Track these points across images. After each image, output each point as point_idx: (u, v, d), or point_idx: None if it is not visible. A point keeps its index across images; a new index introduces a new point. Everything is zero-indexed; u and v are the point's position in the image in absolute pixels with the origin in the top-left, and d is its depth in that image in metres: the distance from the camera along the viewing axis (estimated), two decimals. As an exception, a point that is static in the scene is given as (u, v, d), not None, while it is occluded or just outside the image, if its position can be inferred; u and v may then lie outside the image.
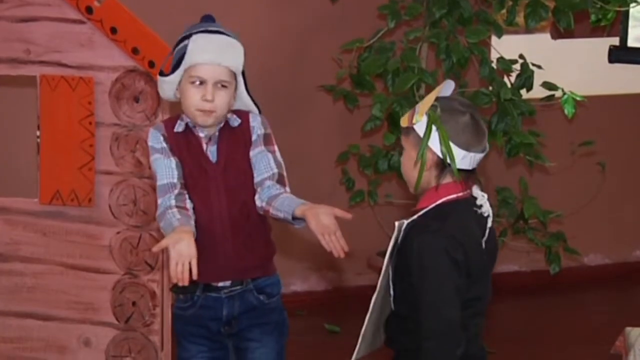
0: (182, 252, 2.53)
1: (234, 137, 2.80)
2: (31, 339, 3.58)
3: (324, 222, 2.55)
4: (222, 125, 2.80)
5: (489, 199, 2.57)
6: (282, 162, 2.80)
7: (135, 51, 3.40)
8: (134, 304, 3.50)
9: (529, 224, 4.28)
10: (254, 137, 2.80)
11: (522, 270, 5.04)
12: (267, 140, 2.81)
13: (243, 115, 2.81)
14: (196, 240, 2.65)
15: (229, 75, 2.76)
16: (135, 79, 3.43)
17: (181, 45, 2.78)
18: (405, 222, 2.53)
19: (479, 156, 2.52)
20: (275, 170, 2.77)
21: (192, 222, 2.67)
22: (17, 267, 3.56)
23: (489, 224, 2.53)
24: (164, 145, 2.79)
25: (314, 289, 4.85)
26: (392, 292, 2.57)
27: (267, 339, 2.84)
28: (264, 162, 2.78)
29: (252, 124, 2.81)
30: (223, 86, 2.75)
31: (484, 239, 2.52)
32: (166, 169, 2.77)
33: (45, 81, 3.46)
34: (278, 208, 2.70)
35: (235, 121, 2.80)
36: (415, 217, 2.53)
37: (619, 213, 5.18)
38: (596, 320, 4.62)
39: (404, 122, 2.54)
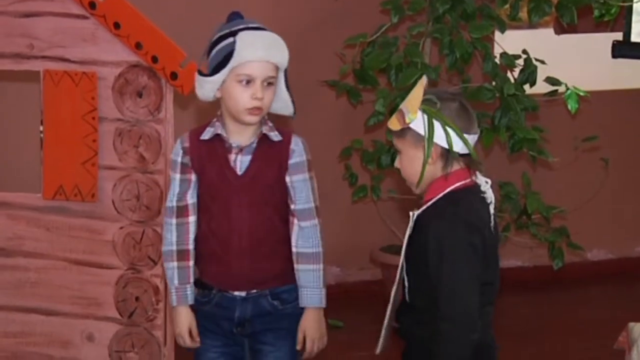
0: (184, 344, 2.85)
1: (271, 152, 2.77)
2: (34, 334, 3.57)
3: (311, 333, 2.79)
4: (259, 138, 2.76)
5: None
6: (316, 188, 2.81)
7: (138, 46, 3.38)
8: (137, 299, 3.49)
9: (532, 219, 4.27)
10: (292, 160, 2.77)
11: (525, 265, 5.03)
12: (309, 167, 2.80)
13: (285, 134, 2.79)
14: (213, 249, 2.76)
15: (276, 72, 2.74)
16: (139, 74, 3.41)
17: (224, 43, 2.72)
18: (416, 212, 2.54)
19: (474, 139, 2.54)
20: (312, 205, 2.78)
21: (192, 278, 2.82)
22: (21, 262, 3.55)
23: (491, 210, 2.55)
24: (180, 159, 2.79)
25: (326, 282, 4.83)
26: (406, 283, 2.57)
27: (281, 343, 2.83)
28: (306, 192, 2.78)
29: (293, 147, 2.78)
30: (270, 84, 2.72)
31: (491, 224, 2.55)
32: (172, 190, 2.81)
33: (49, 76, 3.45)
34: (297, 276, 2.79)
35: (277, 137, 2.77)
36: (425, 207, 2.53)
37: (623, 208, 5.17)
38: (599, 316, 4.60)
39: (394, 125, 2.53)
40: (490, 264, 2.52)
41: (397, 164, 2.60)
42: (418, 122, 2.50)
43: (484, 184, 2.54)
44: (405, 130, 2.52)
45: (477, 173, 2.55)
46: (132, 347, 3.52)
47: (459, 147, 2.51)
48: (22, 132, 4.33)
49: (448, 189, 2.52)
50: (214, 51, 2.75)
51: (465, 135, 2.50)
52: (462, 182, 2.52)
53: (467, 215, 2.47)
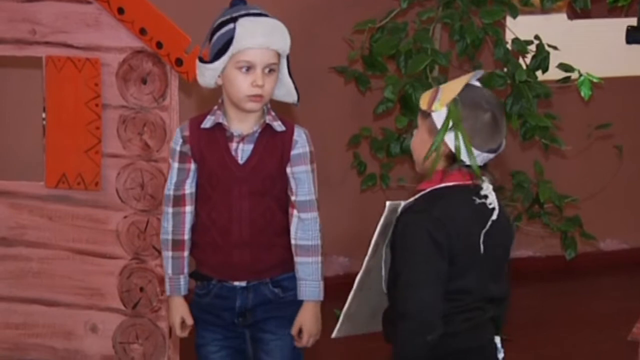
0: (176, 334, 2.87)
1: (273, 142, 2.76)
2: (37, 325, 3.57)
3: (309, 327, 2.81)
4: (263, 127, 2.75)
5: (504, 184, 2.52)
6: (316, 182, 2.81)
7: (142, 32, 3.37)
8: (141, 289, 3.49)
9: (544, 208, 4.22)
10: (295, 152, 2.76)
11: (537, 255, 5.00)
12: (312, 158, 2.79)
13: (288, 124, 2.78)
14: (213, 239, 2.76)
15: (277, 58, 2.72)
16: (143, 60, 3.40)
17: (224, 30, 2.70)
18: (403, 203, 2.50)
19: (491, 155, 2.49)
20: (314, 197, 2.78)
21: (186, 268, 2.83)
22: (23, 252, 3.55)
23: (494, 216, 2.47)
24: (179, 147, 2.78)
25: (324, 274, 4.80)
26: (382, 273, 2.55)
27: (283, 331, 2.82)
28: (307, 184, 2.77)
29: (295, 137, 2.77)
30: (271, 70, 2.71)
31: (484, 230, 2.46)
32: (170, 179, 2.80)
33: (51, 62, 3.44)
34: (296, 268, 2.79)
35: (280, 127, 2.76)
36: (412, 199, 2.50)
37: (637, 197, 5.12)
38: (613, 307, 4.58)
39: (423, 103, 2.50)
40: (467, 271, 2.45)
41: (414, 133, 2.58)
42: (440, 115, 2.46)
43: (486, 187, 2.48)
44: (428, 114, 2.49)
45: (484, 177, 2.49)
46: (136, 338, 3.51)
47: (467, 157, 2.45)
48: (24, 119, 4.31)
49: (440, 185, 2.48)
50: (214, 37, 2.73)
51: (477, 151, 2.44)
52: (458, 182, 2.47)
53: (436, 213, 2.42)
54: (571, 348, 4.25)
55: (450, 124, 2.43)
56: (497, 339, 2.56)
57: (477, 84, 2.52)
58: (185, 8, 4.18)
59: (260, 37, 2.67)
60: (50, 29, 3.43)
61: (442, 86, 2.50)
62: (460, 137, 2.43)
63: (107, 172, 3.46)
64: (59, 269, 3.52)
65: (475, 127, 2.44)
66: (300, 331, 2.80)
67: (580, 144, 4.50)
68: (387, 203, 2.50)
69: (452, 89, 2.47)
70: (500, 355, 2.56)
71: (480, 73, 2.53)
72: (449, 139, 2.45)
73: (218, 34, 2.71)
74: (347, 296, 4.69)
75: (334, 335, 2.63)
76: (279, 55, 2.72)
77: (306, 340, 2.80)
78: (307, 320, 2.79)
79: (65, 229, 3.50)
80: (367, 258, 2.54)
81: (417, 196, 2.49)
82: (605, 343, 4.18)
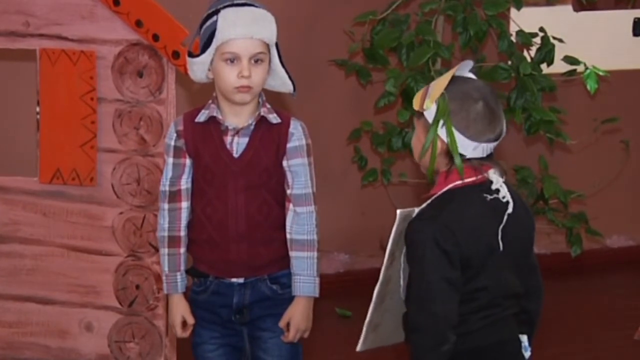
0: (176, 334, 2.85)
1: (269, 135, 2.74)
2: (30, 323, 3.55)
3: (297, 322, 2.78)
4: (257, 120, 2.73)
5: (507, 179, 2.48)
6: (314, 174, 2.79)
7: (139, 24, 3.35)
8: (137, 287, 3.47)
9: (549, 204, 4.21)
10: (291, 144, 2.74)
11: (542, 252, 4.96)
12: (309, 151, 2.77)
13: (284, 116, 2.76)
14: (209, 235, 2.74)
15: (264, 48, 2.70)
16: (139, 52, 3.38)
17: (209, 22, 2.70)
18: (416, 209, 2.47)
19: (492, 145, 2.45)
20: (310, 191, 2.76)
21: (182, 265, 2.81)
22: (16, 248, 3.53)
23: (509, 210, 2.43)
24: (173, 142, 2.77)
25: (324, 272, 4.69)
26: (401, 282, 2.51)
27: (281, 329, 2.79)
28: (304, 177, 2.75)
29: (292, 130, 2.75)
30: (259, 60, 2.69)
31: (501, 226, 2.42)
32: (165, 174, 2.79)
33: (45, 55, 3.41)
34: (291, 263, 2.77)
35: (275, 119, 2.74)
36: (423, 205, 2.47)
37: (643, 193, 5.11)
38: (619, 304, 4.55)
39: (415, 104, 2.48)
40: (484, 269, 2.41)
41: (413, 137, 2.57)
42: (431, 112, 2.44)
43: (496, 181, 2.44)
44: (421, 113, 2.48)
45: (491, 170, 2.45)
46: (132, 337, 3.50)
47: (469, 150, 2.42)
48: (17, 113, 4.29)
49: (447, 187, 2.44)
50: (202, 31, 2.74)
51: (475, 142, 2.40)
52: (465, 180, 2.43)
53: (444, 220, 2.39)
54: (577, 346, 4.22)
55: (441, 120, 2.40)
56: (524, 337, 2.52)
57: (469, 75, 2.48)
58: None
59: (242, 27, 2.66)
60: (44, 21, 3.40)
61: (432, 83, 2.47)
62: (454, 131, 2.39)
63: (102, 167, 3.43)
64: (54, 266, 3.50)
65: (468, 118, 2.40)
66: (288, 325, 2.78)
67: (586, 138, 4.47)
68: (398, 211, 2.46)
69: (439, 84, 2.44)
70: (527, 353, 2.52)
71: (469, 64, 2.49)
72: (444, 135, 2.42)
73: (204, 27, 2.71)
74: (347, 294, 4.65)
75: (358, 348, 2.56)
76: (266, 45, 2.70)
77: (293, 336, 2.77)
78: (296, 315, 2.76)
79: (60, 225, 3.48)
80: (383, 268, 2.51)
81: (427, 202, 2.46)
82: (613, 341, 4.15)
